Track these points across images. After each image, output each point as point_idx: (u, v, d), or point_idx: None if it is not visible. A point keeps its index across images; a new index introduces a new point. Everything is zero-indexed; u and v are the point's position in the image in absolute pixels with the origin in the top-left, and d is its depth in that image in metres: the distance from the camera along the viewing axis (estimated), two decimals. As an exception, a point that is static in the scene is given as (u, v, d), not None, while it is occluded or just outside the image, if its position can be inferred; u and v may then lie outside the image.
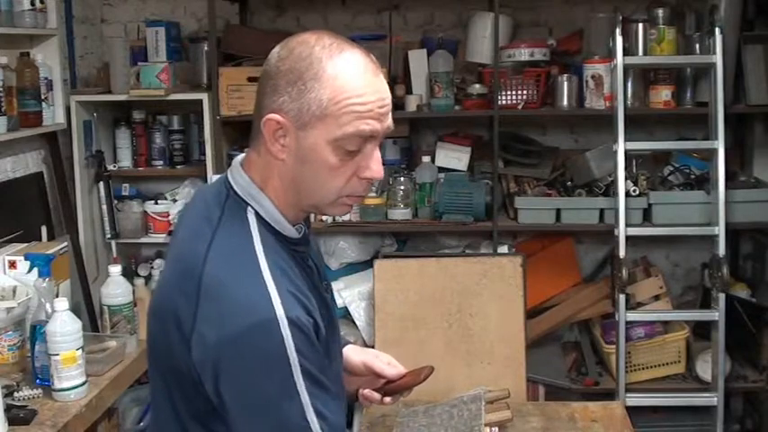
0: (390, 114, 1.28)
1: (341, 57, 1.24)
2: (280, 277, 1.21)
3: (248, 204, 1.29)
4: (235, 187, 1.31)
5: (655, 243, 3.56)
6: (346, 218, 3.31)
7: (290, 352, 1.16)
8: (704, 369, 3.20)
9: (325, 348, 1.27)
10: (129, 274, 3.32)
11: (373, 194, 3.32)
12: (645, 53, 3.17)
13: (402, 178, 3.34)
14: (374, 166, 1.27)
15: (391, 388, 1.55)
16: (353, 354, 1.58)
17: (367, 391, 1.55)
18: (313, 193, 1.28)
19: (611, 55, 3.11)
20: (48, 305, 2.22)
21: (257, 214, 1.29)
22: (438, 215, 3.29)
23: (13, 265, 2.45)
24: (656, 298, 3.33)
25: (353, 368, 1.55)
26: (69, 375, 2.05)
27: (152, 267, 3.62)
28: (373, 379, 1.56)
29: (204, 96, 3.34)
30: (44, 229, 3.10)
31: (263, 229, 1.28)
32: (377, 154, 1.27)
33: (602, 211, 3.21)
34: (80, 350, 2.06)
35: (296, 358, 1.17)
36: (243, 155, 1.35)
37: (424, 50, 3.39)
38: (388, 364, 1.56)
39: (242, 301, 1.18)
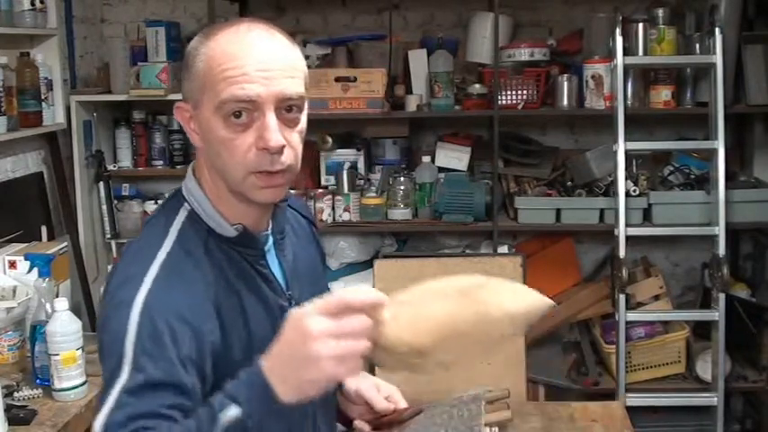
0: (287, 79, 1.20)
1: (223, 30, 1.23)
2: (167, 276, 1.18)
3: (186, 201, 1.28)
4: (183, 183, 1.31)
5: (655, 243, 3.56)
6: (346, 218, 3.31)
7: (128, 336, 1.13)
8: (704, 369, 3.20)
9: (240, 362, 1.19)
10: (129, 274, 3.32)
11: (373, 194, 3.32)
12: (645, 53, 3.17)
13: (402, 178, 3.35)
14: (266, 134, 1.19)
15: (380, 422, 1.49)
16: (362, 376, 1.51)
17: (357, 422, 1.50)
18: (225, 174, 1.23)
19: (611, 55, 3.11)
20: (48, 305, 2.22)
21: (193, 211, 1.27)
22: (438, 215, 3.29)
23: (13, 265, 2.45)
24: (656, 298, 3.33)
25: (347, 394, 1.51)
26: (69, 375, 2.04)
27: (152, 267, 3.62)
28: (370, 409, 1.51)
29: (204, 96, 3.34)
30: (44, 229, 3.10)
31: (189, 226, 1.25)
32: (270, 122, 1.19)
33: (602, 211, 3.21)
34: (80, 350, 2.06)
35: (132, 347, 1.12)
36: None
37: (424, 50, 3.39)
38: (385, 397, 1.51)
39: (118, 288, 1.19)
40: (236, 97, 1.18)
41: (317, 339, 1.02)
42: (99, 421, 1.11)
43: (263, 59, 1.19)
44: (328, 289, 1.50)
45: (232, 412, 1.04)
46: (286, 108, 1.21)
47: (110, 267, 2.41)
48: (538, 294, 1.13)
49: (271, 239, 1.34)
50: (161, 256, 1.21)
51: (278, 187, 1.24)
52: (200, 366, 1.16)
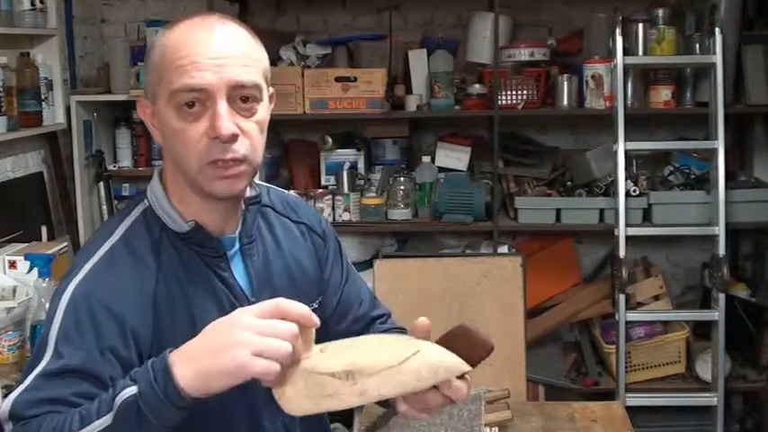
0: (240, 67, 1.19)
1: (180, 22, 1.24)
2: (101, 268, 1.20)
3: (146, 197, 1.29)
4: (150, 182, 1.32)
5: (655, 243, 3.56)
6: (346, 218, 3.31)
7: (54, 324, 1.16)
8: (704, 369, 3.20)
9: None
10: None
11: (373, 194, 3.33)
12: (645, 53, 3.17)
13: (402, 178, 3.35)
14: (216, 122, 1.17)
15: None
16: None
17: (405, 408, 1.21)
18: (182, 167, 1.22)
19: (611, 55, 3.11)
20: (48, 305, 2.22)
21: (150, 207, 1.27)
22: (438, 215, 3.29)
23: (13, 265, 2.46)
24: (656, 298, 3.33)
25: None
26: (69, 375, 2.04)
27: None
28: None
29: (204, 96, 3.34)
30: (44, 229, 3.10)
31: (141, 222, 1.26)
32: (221, 109, 1.17)
33: (602, 211, 3.21)
34: (80, 350, 2.06)
35: (55, 334, 1.15)
36: None
37: (424, 50, 3.39)
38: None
39: (60, 279, 1.24)
40: (186, 86, 1.17)
41: (241, 329, 1.02)
42: (9, 398, 1.13)
43: (215, 47, 1.18)
44: (315, 289, 1.42)
45: (128, 391, 1.04)
46: (241, 98, 1.19)
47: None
48: (457, 359, 1.12)
49: (237, 244, 1.31)
50: (103, 249, 1.22)
51: (234, 178, 1.21)
52: (123, 358, 1.15)
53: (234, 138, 1.18)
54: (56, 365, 1.13)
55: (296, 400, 1.09)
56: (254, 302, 1.23)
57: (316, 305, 1.39)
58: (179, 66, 1.17)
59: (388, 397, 1.10)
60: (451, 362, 1.10)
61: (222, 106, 1.17)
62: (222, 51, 1.18)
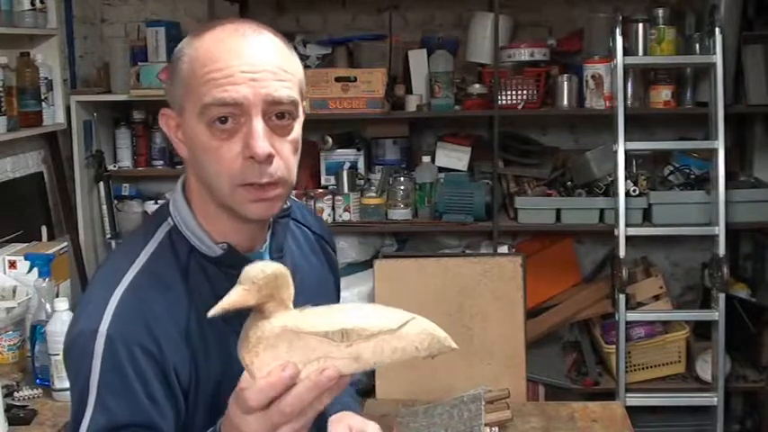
0: (276, 82, 1.10)
1: (210, 30, 1.13)
2: (130, 303, 1.10)
3: (170, 215, 1.19)
4: (171, 197, 1.21)
5: (655, 243, 3.56)
6: (346, 218, 3.31)
7: (93, 371, 1.07)
8: (704, 369, 3.20)
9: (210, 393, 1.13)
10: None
11: (373, 194, 3.32)
12: (645, 53, 3.17)
13: (402, 178, 3.35)
14: (252, 141, 1.08)
15: None
16: (338, 420, 1.37)
17: None
18: (212, 187, 1.13)
19: (611, 55, 3.11)
20: (48, 305, 2.22)
21: (175, 227, 1.18)
22: (438, 215, 3.29)
23: (13, 265, 2.45)
24: (656, 298, 3.33)
25: None
26: (69, 375, 2.05)
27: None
28: None
29: (204, 96, 3.34)
30: (44, 229, 3.10)
31: (167, 245, 1.16)
32: (257, 127, 1.08)
33: (602, 211, 3.21)
34: (80, 350, 2.06)
35: (96, 384, 1.07)
36: None
37: (424, 50, 3.39)
38: None
39: (81, 312, 1.14)
40: (219, 101, 1.08)
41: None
42: None
43: (250, 60, 1.10)
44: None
45: None
46: (276, 114, 1.11)
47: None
48: (446, 334, 1.01)
49: (267, 258, 1.23)
50: (127, 278, 1.13)
51: (269, 201, 1.13)
52: (172, 398, 1.10)
53: (270, 159, 1.09)
54: (104, 420, 1.06)
55: (274, 366, 0.94)
56: None
57: None
58: (211, 78, 1.09)
59: (381, 365, 0.99)
60: (444, 335, 1.00)
61: (258, 123, 1.09)
62: (257, 63, 1.10)
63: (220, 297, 1.06)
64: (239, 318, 1.06)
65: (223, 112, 1.09)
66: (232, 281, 1.08)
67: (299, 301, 1.15)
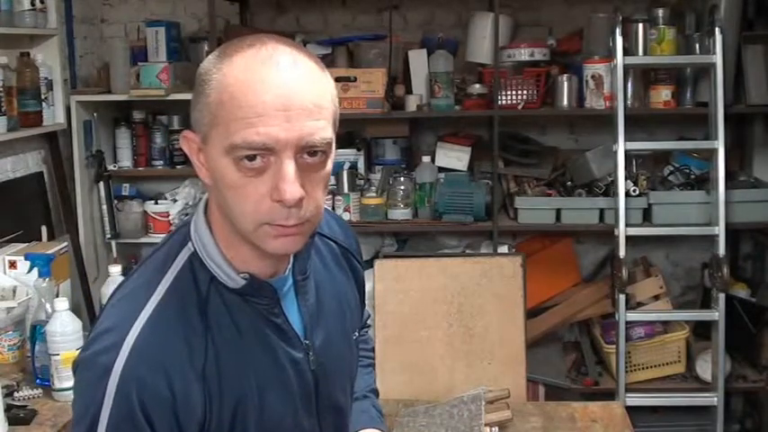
0: (311, 121, 1.02)
1: (240, 52, 1.04)
2: (149, 341, 1.05)
3: (191, 240, 1.13)
4: (193, 220, 1.15)
5: (655, 243, 3.56)
6: (346, 218, 3.31)
7: (102, 414, 1.03)
8: (704, 369, 3.20)
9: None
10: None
11: (373, 194, 3.32)
12: (645, 53, 3.17)
13: (402, 178, 3.35)
14: (282, 185, 1.01)
15: None
16: None
17: None
18: (235, 220, 1.06)
19: (611, 55, 3.11)
20: (48, 305, 2.22)
21: (195, 254, 1.12)
22: (438, 215, 3.29)
23: (13, 265, 2.45)
24: (656, 298, 3.33)
25: None
26: (69, 375, 2.03)
27: (152, 267, 3.62)
28: None
29: (204, 96, 3.34)
30: (44, 229, 3.10)
31: (188, 273, 1.11)
32: (287, 171, 1.01)
33: (602, 211, 3.21)
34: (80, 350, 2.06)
35: (105, 421, 1.03)
36: None
37: (424, 50, 3.38)
38: None
39: (98, 338, 1.07)
40: (250, 144, 1.00)
41: None
42: None
43: (284, 96, 1.01)
44: (359, 318, 1.39)
45: None
46: (309, 152, 1.04)
47: (110, 268, 2.39)
48: None
49: (290, 280, 1.18)
50: (148, 308, 1.07)
51: (294, 237, 1.06)
52: None
53: (300, 203, 1.03)
54: None
55: None
56: (307, 345, 1.17)
57: (356, 334, 1.34)
58: (241, 117, 1.00)
59: None
60: None
61: (289, 167, 1.01)
62: (292, 100, 1.01)
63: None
64: (258, 339, 1.11)
65: (252, 152, 1.02)
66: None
67: (318, 333, 1.17)
